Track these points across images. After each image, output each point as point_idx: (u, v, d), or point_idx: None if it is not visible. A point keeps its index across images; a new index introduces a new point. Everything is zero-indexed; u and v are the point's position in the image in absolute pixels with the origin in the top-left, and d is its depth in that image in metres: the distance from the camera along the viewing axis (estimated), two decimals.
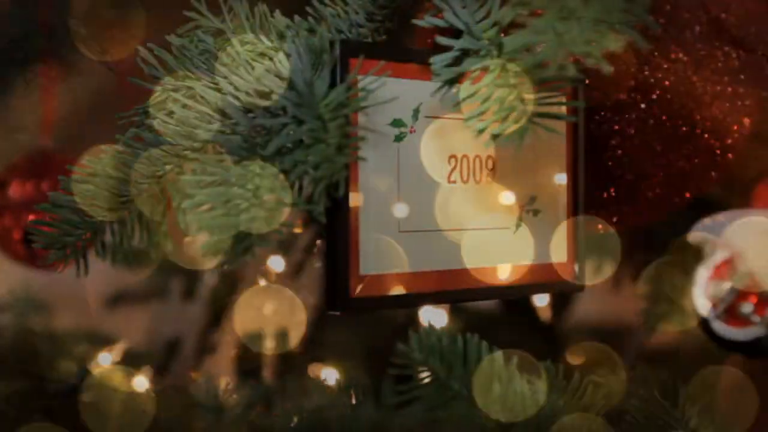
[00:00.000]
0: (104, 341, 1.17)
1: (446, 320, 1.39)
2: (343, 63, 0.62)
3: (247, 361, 1.22)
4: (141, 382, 1.14)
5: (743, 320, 0.53)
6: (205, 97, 0.64)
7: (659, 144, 0.79)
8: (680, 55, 0.78)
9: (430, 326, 0.58)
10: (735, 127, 0.82)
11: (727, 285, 0.54)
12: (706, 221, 0.56)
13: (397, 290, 0.65)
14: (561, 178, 0.75)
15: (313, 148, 0.57)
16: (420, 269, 0.67)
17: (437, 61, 0.60)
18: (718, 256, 0.55)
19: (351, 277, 0.63)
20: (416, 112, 0.66)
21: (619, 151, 0.79)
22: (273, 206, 0.56)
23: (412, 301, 0.66)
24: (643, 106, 0.78)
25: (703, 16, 0.80)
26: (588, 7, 0.52)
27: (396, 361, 0.60)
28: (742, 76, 0.80)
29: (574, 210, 0.76)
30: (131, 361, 1.16)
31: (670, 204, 0.81)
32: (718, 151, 0.80)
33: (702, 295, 0.55)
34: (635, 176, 0.80)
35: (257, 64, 0.63)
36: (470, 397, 0.57)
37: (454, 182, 0.69)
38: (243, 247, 0.57)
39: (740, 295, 0.53)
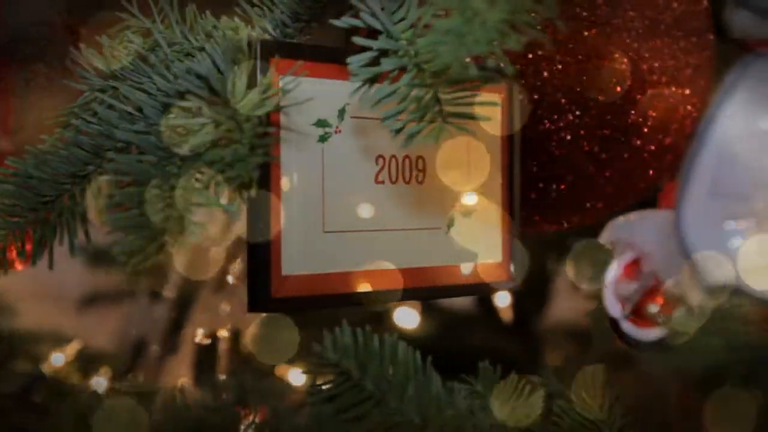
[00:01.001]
0: (63, 341, 1.17)
1: (417, 321, 1.39)
2: (262, 63, 0.62)
3: (210, 362, 1.22)
4: (99, 383, 1.14)
5: (650, 321, 0.53)
6: (129, 98, 0.64)
7: (596, 146, 0.79)
8: (618, 55, 0.78)
9: (346, 326, 0.58)
10: (674, 127, 0.82)
11: (634, 285, 0.54)
12: (618, 221, 0.56)
13: (322, 291, 0.65)
14: (496, 178, 0.75)
15: (227, 148, 0.57)
16: (345, 270, 0.67)
17: (354, 61, 0.60)
18: (627, 257, 0.55)
19: (272, 278, 0.63)
20: (342, 112, 0.66)
21: (557, 152, 0.79)
22: (186, 206, 0.56)
23: (337, 302, 0.66)
24: (578, 107, 0.78)
25: (642, 16, 0.80)
26: (494, 8, 0.52)
27: (310, 362, 0.60)
28: (682, 75, 0.81)
29: (509, 210, 0.76)
30: (89, 362, 1.16)
31: (612, 205, 0.81)
32: (657, 152, 0.81)
33: (611, 295, 0.55)
34: (574, 177, 0.80)
35: (179, 63, 0.63)
36: (384, 398, 0.57)
37: (382, 182, 0.69)
38: (155, 247, 0.57)
39: (647, 295, 0.53)
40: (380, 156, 0.69)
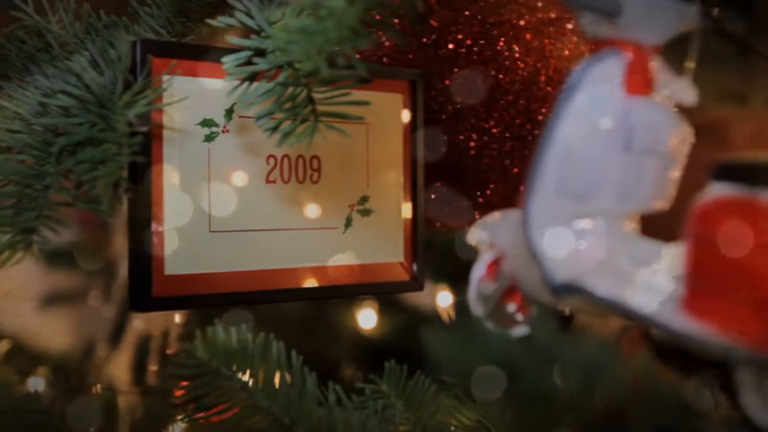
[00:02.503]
0: None
1: (375, 320, 1.39)
2: (143, 62, 0.62)
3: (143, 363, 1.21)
4: (36, 383, 1.14)
5: (510, 320, 0.53)
6: (14, 98, 0.64)
7: (504, 144, 0.79)
8: (524, 57, 0.78)
9: (218, 325, 0.58)
10: None
11: (494, 285, 0.54)
12: (482, 220, 0.56)
13: (209, 290, 0.65)
14: (397, 179, 0.75)
15: (98, 148, 0.57)
16: (234, 269, 0.67)
17: (229, 60, 0.60)
18: (489, 256, 0.55)
19: (154, 277, 0.63)
20: (230, 112, 0.66)
21: (464, 152, 0.79)
22: (52, 205, 0.57)
23: (226, 302, 0.66)
24: (483, 110, 0.78)
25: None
26: (350, 8, 0.52)
27: (179, 361, 0.60)
28: None
29: (413, 210, 0.76)
30: (26, 362, 1.16)
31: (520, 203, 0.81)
32: None
33: (474, 295, 0.55)
34: (480, 177, 0.80)
35: (59, 63, 0.63)
36: (254, 397, 0.57)
37: (274, 182, 0.69)
38: (23, 245, 0.57)
39: (505, 294, 0.53)
40: (271, 156, 0.69)
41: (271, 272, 0.68)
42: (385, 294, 0.75)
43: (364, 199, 0.73)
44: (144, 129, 0.58)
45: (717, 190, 0.45)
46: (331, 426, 0.57)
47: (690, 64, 0.52)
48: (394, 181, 0.75)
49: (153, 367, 1.12)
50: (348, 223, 0.73)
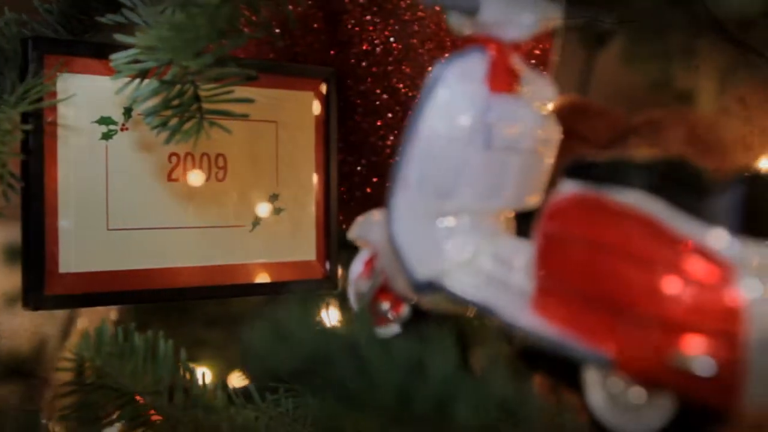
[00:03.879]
0: None
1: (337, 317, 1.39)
2: (36, 60, 0.62)
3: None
4: None
5: (384, 318, 0.53)
6: None
7: None
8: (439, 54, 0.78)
9: (105, 324, 0.58)
10: None
11: (369, 283, 0.54)
12: (362, 217, 0.55)
13: (107, 288, 0.65)
14: (309, 177, 0.75)
15: None
16: (133, 267, 0.66)
17: (118, 57, 0.59)
18: (366, 254, 0.55)
19: (47, 275, 0.63)
20: (128, 110, 0.66)
21: (379, 151, 0.79)
22: None
23: (124, 300, 0.66)
24: (396, 107, 0.78)
25: None
26: (224, 6, 0.52)
27: (64, 361, 0.59)
28: None
29: (325, 208, 0.76)
30: None
31: None
32: None
33: (352, 292, 0.55)
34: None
35: None
36: (136, 395, 0.57)
37: (176, 180, 0.68)
38: None
39: (379, 293, 0.53)
40: (174, 154, 0.68)
41: (173, 270, 0.68)
42: (298, 292, 0.75)
43: (273, 197, 0.73)
44: (27, 127, 0.58)
45: (567, 188, 0.44)
46: (214, 426, 0.57)
47: (555, 58, 0.51)
48: (306, 179, 0.75)
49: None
50: (256, 221, 0.72)
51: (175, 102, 0.59)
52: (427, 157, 0.48)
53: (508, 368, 0.39)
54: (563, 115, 1.04)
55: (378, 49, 0.77)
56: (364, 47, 0.78)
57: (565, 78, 1.33)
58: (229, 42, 0.52)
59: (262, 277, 0.73)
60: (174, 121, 0.59)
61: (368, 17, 0.77)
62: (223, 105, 0.58)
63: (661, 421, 0.41)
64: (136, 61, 0.60)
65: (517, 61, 0.49)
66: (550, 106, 0.51)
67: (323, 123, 0.75)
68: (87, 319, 1.23)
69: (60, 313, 1.37)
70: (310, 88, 0.75)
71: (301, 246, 0.75)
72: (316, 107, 0.75)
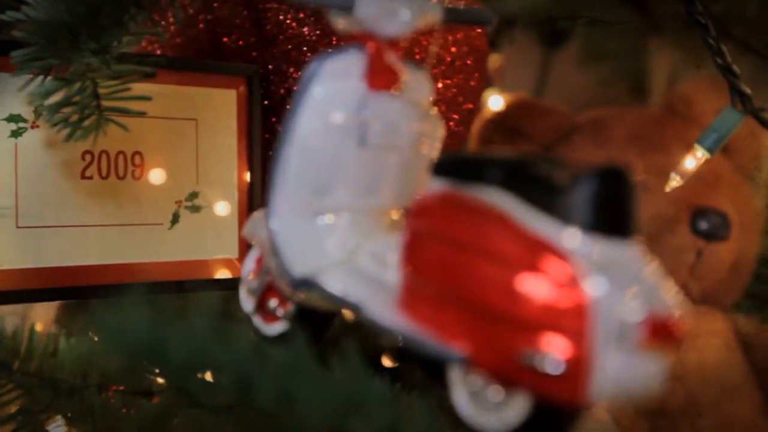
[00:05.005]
0: None
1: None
2: None
3: None
4: None
5: (273, 316, 0.53)
6: None
7: None
8: None
9: (5, 318, 0.58)
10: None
11: (258, 280, 0.53)
12: (255, 215, 0.55)
13: (15, 287, 0.65)
14: (231, 175, 0.75)
15: None
16: (44, 265, 0.66)
17: (16, 55, 0.59)
18: (256, 252, 0.55)
19: None
20: (39, 107, 0.66)
21: None
22: None
23: (33, 298, 0.66)
24: None
25: None
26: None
27: None
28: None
29: (248, 207, 0.76)
30: None
31: None
32: None
33: (242, 290, 0.55)
34: None
35: None
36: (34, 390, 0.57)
37: (90, 178, 0.68)
38: None
39: (268, 290, 0.53)
40: (87, 152, 0.68)
41: (87, 268, 0.68)
42: (218, 291, 0.75)
43: (193, 195, 0.73)
44: None
45: (433, 185, 0.44)
46: (112, 427, 0.57)
47: (431, 58, 0.51)
48: (228, 178, 0.75)
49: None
50: (175, 219, 0.72)
51: (75, 99, 0.59)
52: (304, 153, 0.48)
53: (359, 363, 0.39)
54: (508, 113, 1.04)
55: (304, 47, 0.77)
56: (289, 46, 0.77)
57: (522, 77, 1.33)
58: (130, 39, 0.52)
59: (181, 275, 0.73)
60: (74, 118, 0.59)
61: (291, 14, 0.77)
62: (123, 103, 0.59)
63: (518, 418, 0.41)
64: (38, 59, 0.60)
65: (395, 58, 0.49)
66: (431, 102, 0.50)
67: (246, 121, 0.75)
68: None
69: None
70: (232, 86, 0.75)
71: (223, 244, 0.75)
72: (239, 105, 0.75)
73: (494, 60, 1.29)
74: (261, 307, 0.53)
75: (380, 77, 0.48)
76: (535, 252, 0.39)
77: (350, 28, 0.48)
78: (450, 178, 0.43)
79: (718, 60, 0.76)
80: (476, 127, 1.02)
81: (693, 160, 0.78)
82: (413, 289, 0.43)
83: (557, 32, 1.28)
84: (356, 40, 0.48)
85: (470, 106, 0.85)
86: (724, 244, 0.94)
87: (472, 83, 0.84)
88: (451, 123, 0.83)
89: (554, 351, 0.38)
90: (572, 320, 0.38)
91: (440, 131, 0.50)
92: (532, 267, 0.39)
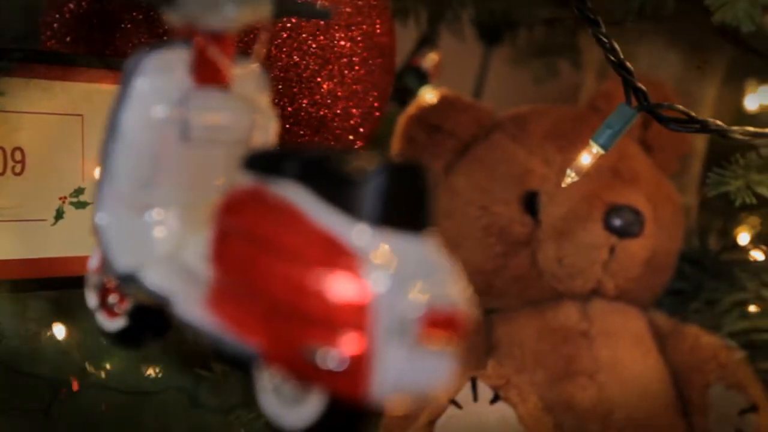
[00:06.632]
0: None
1: None
2: None
3: None
4: None
5: (114, 312, 0.53)
6: None
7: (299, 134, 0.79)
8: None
9: None
10: (354, 121, 0.81)
11: (98, 276, 0.53)
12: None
13: None
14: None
15: None
16: None
17: None
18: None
19: None
20: None
21: None
22: None
23: None
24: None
25: None
26: None
27: None
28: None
29: None
30: None
31: None
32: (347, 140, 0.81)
33: (87, 286, 0.54)
34: None
35: None
36: None
37: None
38: None
39: (108, 286, 0.53)
40: None
41: None
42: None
43: (78, 192, 0.73)
44: None
45: (240, 180, 0.44)
46: None
47: (260, 51, 0.51)
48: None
49: None
50: (59, 215, 0.72)
51: None
52: (128, 147, 0.48)
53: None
54: (430, 110, 1.04)
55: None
56: None
57: (461, 75, 1.33)
58: None
59: (67, 272, 0.72)
60: None
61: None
62: None
63: (314, 415, 0.41)
64: None
65: (220, 53, 0.48)
66: (264, 96, 0.50)
67: None
68: None
69: None
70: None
71: None
72: None
73: (432, 57, 1.29)
74: (103, 303, 0.53)
75: (204, 72, 0.48)
76: (322, 247, 0.39)
77: (176, 22, 0.48)
78: (256, 173, 0.43)
79: (610, 57, 0.76)
80: (400, 124, 1.02)
81: (588, 156, 0.77)
82: (218, 285, 0.43)
83: (496, 29, 1.28)
84: (182, 34, 0.48)
85: (375, 104, 0.85)
86: (638, 240, 0.93)
87: (375, 79, 0.84)
88: (353, 120, 0.82)
89: (336, 347, 0.38)
90: (354, 316, 0.38)
91: (273, 125, 0.50)
92: (320, 262, 0.39)
